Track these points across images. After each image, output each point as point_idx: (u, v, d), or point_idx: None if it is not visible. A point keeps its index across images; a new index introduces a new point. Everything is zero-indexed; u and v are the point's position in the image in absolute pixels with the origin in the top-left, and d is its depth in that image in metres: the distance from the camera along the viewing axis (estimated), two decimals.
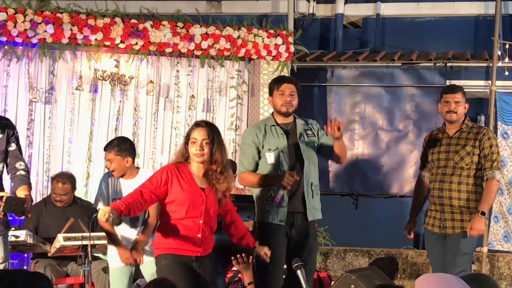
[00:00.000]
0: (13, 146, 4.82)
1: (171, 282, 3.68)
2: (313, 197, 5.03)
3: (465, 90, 8.66)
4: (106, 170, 5.55)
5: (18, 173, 4.75)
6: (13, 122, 6.99)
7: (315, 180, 5.10)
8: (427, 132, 6.11)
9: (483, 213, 5.31)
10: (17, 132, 4.93)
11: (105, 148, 5.39)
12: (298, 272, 3.76)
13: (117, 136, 7.51)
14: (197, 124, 4.33)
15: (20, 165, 4.80)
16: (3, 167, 4.80)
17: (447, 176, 5.45)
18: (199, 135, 4.25)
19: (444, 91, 5.59)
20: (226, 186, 4.30)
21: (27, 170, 4.86)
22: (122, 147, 5.33)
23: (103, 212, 3.85)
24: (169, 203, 4.26)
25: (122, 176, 5.36)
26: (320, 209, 5.13)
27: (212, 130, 4.29)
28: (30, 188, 4.76)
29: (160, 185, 4.20)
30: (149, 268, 5.29)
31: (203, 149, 4.22)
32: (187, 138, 4.31)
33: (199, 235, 4.23)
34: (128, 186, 5.26)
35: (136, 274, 5.62)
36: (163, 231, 4.29)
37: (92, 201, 7.07)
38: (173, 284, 3.66)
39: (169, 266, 4.19)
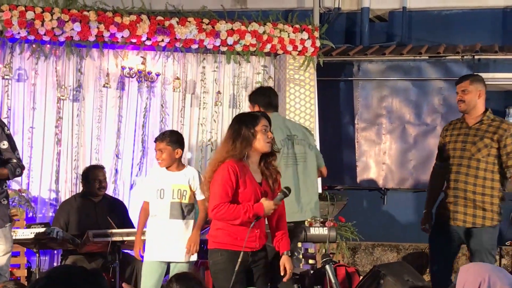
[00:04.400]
0: (5, 144, 4.89)
1: (193, 275, 3.66)
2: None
3: (494, 83, 8.80)
4: (151, 166, 5.63)
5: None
6: (42, 120, 7.19)
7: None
8: None
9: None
10: (7, 130, 4.98)
11: (157, 139, 5.49)
12: (327, 267, 3.75)
13: (144, 133, 7.60)
14: (262, 114, 4.28)
15: (13, 161, 4.87)
16: None
17: (463, 167, 5.26)
18: (267, 123, 4.22)
19: (455, 83, 5.49)
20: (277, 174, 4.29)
21: (20, 166, 4.92)
22: (174, 138, 5.46)
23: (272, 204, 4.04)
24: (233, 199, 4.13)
25: (168, 168, 5.43)
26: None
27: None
28: (7, 172, 4.81)
29: (234, 186, 4.10)
30: (179, 270, 5.33)
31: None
32: (252, 129, 4.16)
33: (257, 231, 4.15)
34: (174, 178, 5.40)
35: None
36: (221, 224, 4.16)
37: (120, 197, 7.21)
38: (197, 278, 3.63)
39: (224, 264, 4.11)
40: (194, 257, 5.47)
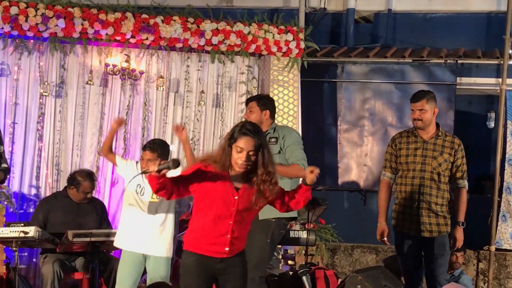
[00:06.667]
0: (0, 149, 4.90)
1: (168, 286, 3.71)
2: None
3: (476, 87, 8.85)
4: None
5: None
6: (24, 115, 7.18)
7: None
8: None
9: (463, 224, 5.52)
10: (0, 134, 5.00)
11: (147, 147, 5.47)
12: (304, 278, 3.78)
13: (126, 130, 7.58)
14: (245, 133, 4.02)
15: (3, 165, 4.88)
16: None
17: (426, 181, 5.52)
18: (246, 145, 4.01)
19: (410, 99, 5.66)
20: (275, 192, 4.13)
21: (8, 170, 4.93)
22: (164, 150, 5.52)
23: (153, 164, 3.86)
24: (200, 199, 4.12)
25: None
26: (271, 209, 4.84)
27: (260, 140, 4.04)
28: (2, 176, 4.84)
29: (194, 175, 4.06)
30: (155, 263, 5.44)
31: (249, 160, 4.02)
32: (232, 140, 4.04)
33: (228, 236, 4.11)
34: None
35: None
36: (194, 227, 4.19)
37: (101, 195, 7.22)
38: None
39: (190, 266, 4.16)
40: (169, 253, 5.52)
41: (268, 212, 5.21)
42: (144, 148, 5.55)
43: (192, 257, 4.16)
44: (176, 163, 3.81)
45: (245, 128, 4.05)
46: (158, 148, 5.44)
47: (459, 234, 5.52)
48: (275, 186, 4.11)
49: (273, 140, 5.42)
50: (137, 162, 5.83)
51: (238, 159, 4.00)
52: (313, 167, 4.10)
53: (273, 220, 5.29)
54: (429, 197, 5.50)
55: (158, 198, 5.40)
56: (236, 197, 4.09)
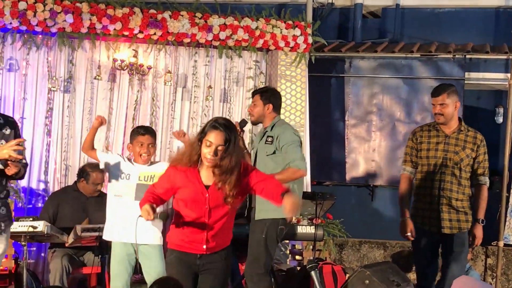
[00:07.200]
0: None
1: (175, 280, 3.73)
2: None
3: (484, 82, 8.83)
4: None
5: None
6: (32, 110, 7.19)
7: None
8: None
9: (483, 221, 5.43)
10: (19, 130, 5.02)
11: (148, 132, 5.46)
12: (312, 273, 3.77)
13: (134, 125, 7.58)
14: (215, 126, 4.02)
15: (23, 161, 4.89)
16: None
17: (447, 176, 5.42)
18: (216, 139, 4.00)
19: (431, 94, 5.56)
20: (230, 188, 4.07)
21: (27, 165, 4.94)
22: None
23: (146, 212, 3.89)
24: (176, 200, 4.20)
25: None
26: (268, 210, 5.21)
27: (230, 135, 4.03)
28: (23, 172, 4.85)
29: (168, 186, 4.16)
30: (147, 252, 5.42)
31: (216, 155, 4.00)
32: (203, 134, 4.06)
33: (204, 234, 4.14)
34: (144, 169, 5.44)
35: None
36: (174, 225, 4.25)
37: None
38: (178, 283, 3.70)
39: (172, 263, 4.25)
40: (160, 241, 5.45)
41: (265, 213, 5.30)
42: (140, 133, 5.45)
43: (172, 254, 4.26)
44: (165, 216, 3.93)
45: (217, 122, 4.05)
46: (154, 133, 5.53)
47: (479, 232, 5.43)
48: (225, 179, 4.04)
49: (269, 139, 5.44)
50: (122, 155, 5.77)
51: (207, 154, 4.00)
52: (291, 203, 3.87)
53: (268, 219, 5.32)
54: (449, 193, 5.40)
55: (146, 181, 5.38)
56: (206, 195, 4.11)
